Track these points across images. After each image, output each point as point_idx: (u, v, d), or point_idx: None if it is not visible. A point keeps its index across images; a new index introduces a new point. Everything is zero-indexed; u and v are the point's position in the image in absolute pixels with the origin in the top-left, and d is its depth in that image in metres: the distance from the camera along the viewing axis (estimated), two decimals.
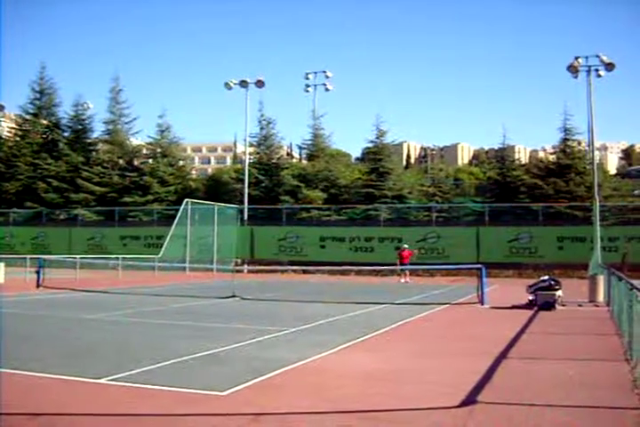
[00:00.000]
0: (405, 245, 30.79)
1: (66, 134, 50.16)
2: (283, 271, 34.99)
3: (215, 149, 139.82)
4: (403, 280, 29.18)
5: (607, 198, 36.19)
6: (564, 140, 40.55)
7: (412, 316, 14.70)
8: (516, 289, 20.96)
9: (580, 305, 17.13)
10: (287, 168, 44.64)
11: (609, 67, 33.04)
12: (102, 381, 7.38)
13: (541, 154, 76.21)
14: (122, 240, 40.38)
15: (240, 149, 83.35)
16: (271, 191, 42.58)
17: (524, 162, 60.54)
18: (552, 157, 42.79)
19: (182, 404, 6.38)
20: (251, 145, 45.69)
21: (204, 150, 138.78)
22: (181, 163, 50.23)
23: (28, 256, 28.57)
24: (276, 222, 38.58)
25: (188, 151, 79.70)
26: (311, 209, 40.03)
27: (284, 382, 7.51)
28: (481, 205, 38.13)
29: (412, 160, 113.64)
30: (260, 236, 37.97)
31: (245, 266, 34.67)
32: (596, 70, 33.25)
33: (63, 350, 9.80)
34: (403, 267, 29.15)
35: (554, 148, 42.62)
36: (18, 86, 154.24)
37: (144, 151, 49.33)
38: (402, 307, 17.45)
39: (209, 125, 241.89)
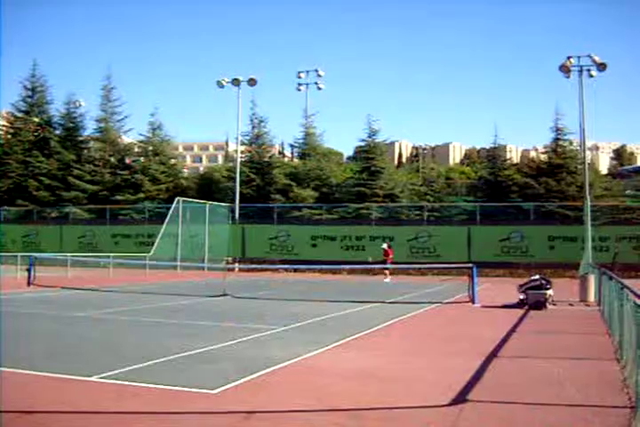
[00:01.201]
0: (384, 245, 30.75)
1: (57, 132, 49.86)
2: (274, 270, 34.95)
3: (207, 148, 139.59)
4: (387, 279, 29.13)
5: (598, 198, 36.31)
6: (556, 139, 40.75)
7: (403, 315, 14.72)
8: (507, 288, 21.06)
9: (570, 304, 17.21)
10: (279, 167, 44.59)
11: (601, 67, 33.11)
12: (92, 379, 7.36)
13: (533, 153, 76.52)
14: (113, 238, 40.22)
15: (232, 147, 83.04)
16: (263, 190, 42.54)
17: (515, 161, 60.89)
18: (543, 157, 42.98)
19: (173, 402, 6.37)
20: (242, 143, 45.62)
21: (195, 149, 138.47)
22: (173, 161, 50.05)
23: (19, 254, 28.47)
24: (267, 221, 38.51)
25: (180, 149, 79.22)
26: (302, 208, 40.00)
27: (276, 380, 7.51)
28: (472, 204, 38.20)
29: (404, 159, 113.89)
30: (252, 234, 37.91)
31: (237, 264, 34.59)
32: (588, 70, 33.32)
33: (53, 347, 9.77)
34: (386, 266, 29.09)
35: (545, 147, 42.82)
36: (9, 84, 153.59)
37: (136, 149, 49.14)
38: (393, 306, 17.48)
39: (201, 124, 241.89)
